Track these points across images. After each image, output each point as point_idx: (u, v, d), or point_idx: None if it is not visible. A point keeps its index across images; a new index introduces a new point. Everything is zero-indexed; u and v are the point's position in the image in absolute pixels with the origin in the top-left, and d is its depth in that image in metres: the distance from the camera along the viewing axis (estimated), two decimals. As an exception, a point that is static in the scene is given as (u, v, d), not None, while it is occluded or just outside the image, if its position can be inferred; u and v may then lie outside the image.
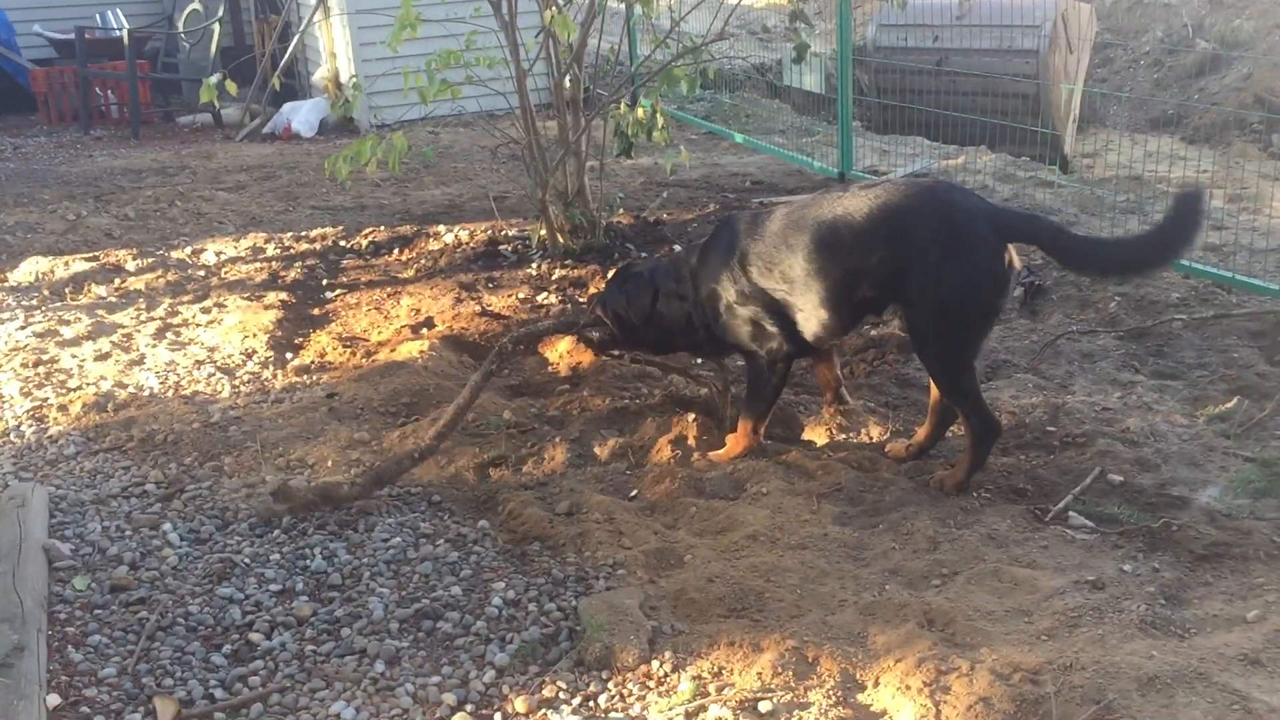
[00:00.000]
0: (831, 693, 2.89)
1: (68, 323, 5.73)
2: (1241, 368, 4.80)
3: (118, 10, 11.77)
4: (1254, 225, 6.64)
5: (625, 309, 4.42)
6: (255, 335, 5.47)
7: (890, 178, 6.45)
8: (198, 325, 5.71)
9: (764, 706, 2.86)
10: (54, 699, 2.98)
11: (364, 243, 6.98)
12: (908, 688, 2.86)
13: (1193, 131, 10.93)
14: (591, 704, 2.95)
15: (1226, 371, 4.76)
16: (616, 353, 4.75)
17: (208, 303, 6.02)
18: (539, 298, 5.89)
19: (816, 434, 4.45)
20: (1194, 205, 3.64)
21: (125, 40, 10.65)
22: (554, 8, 5.81)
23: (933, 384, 4.08)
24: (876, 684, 2.93)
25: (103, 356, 5.32)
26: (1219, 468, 4.03)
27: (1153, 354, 5.03)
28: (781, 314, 4.07)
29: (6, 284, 6.40)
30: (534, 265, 6.36)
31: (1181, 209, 3.65)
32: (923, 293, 3.79)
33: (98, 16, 11.79)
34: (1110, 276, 5.01)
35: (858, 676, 2.96)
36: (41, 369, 5.19)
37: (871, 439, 4.37)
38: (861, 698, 2.90)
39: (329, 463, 4.22)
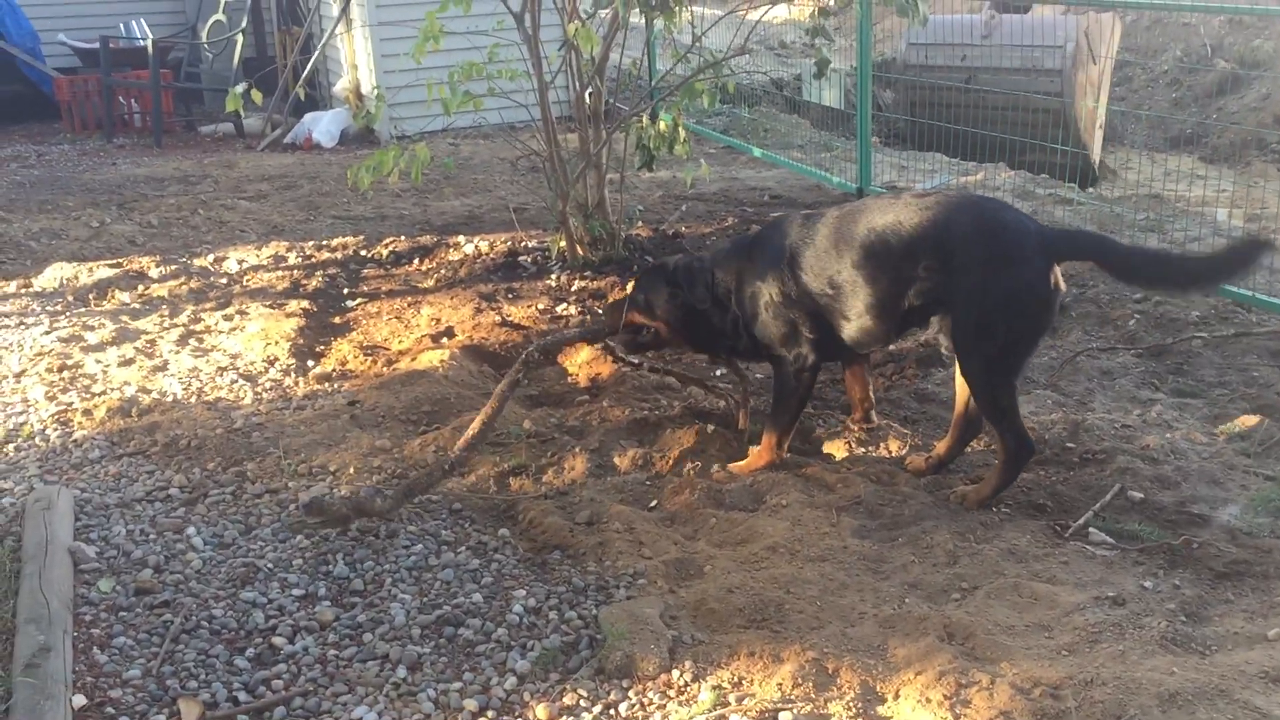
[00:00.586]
0: (852, 704, 2.90)
1: (92, 328, 5.77)
2: (1262, 386, 4.80)
3: (141, 20, 11.88)
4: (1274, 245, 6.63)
5: (677, 301, 4.36)
6: (277, 343, 5.51)
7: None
8: (220, 332, 5.76)
9: (784, 717, 2.87)
10: (80, 700, 3.01)
11: (385, 252, 7.03)
12: (928, 700, 2.86)
13: (1211, 151, 10.93)
14: (612, 712, 2.96)
15: (1247, 390, 4.76)
16: (635, 360, 4.75)
17: (230, 310, 6.06)
18: (558, 309, 5.92)
19: (835, 447, 4.46)
20: (1256, 251, 3.88)
21: (149, 50, 10.75)
22: (577, 21, 5.85)
23: (957, 399, 4.10)
24: (896, 696, 2.93)
25: (126, 362, 5.37)
26: (1239, 486, 4.03)
27: (1172, 372, 5.03)
28: (821, 319, 4.08)
29: (31, 289, 6.46)
30: (553, 276, 6.39)
31: (1246, 248, 3.95)
32: (966, 307, 3.81)
33: (121, 26, 11.89)
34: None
35: (878, 689, 2.97)
36: (66, 374, 5.23)
37: (890, 453, 4.38)
38: (881, 710, 2.91)
39: (351, 470, 4.24)
